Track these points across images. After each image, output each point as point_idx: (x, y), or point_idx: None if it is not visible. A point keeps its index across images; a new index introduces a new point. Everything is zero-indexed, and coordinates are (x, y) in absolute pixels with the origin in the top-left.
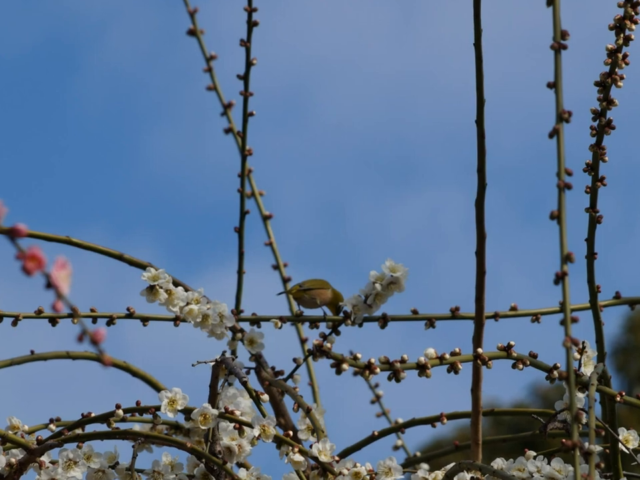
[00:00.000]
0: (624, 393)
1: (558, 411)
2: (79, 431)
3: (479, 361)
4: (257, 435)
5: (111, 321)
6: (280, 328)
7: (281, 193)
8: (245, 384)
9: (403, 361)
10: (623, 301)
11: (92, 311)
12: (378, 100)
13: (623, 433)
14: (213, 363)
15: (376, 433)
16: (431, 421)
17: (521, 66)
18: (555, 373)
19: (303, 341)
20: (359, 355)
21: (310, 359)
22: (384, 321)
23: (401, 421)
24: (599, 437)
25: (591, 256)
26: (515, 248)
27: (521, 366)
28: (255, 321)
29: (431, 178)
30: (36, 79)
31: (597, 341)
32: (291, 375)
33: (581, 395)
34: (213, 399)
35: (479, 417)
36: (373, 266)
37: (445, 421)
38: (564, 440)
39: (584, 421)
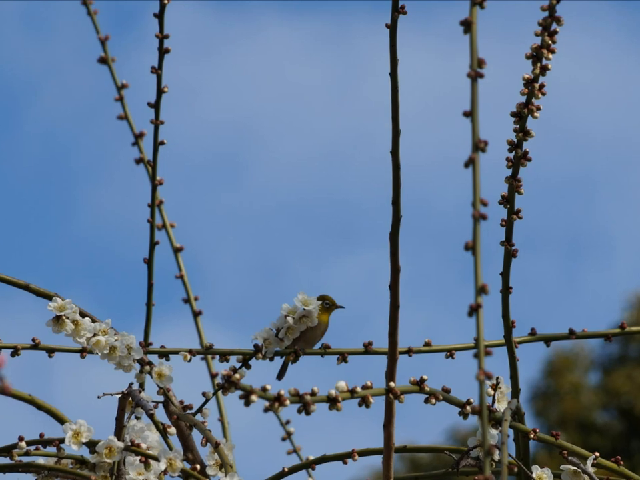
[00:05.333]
0: (537, 430)
1: (471, 447)
2: None
3: (391, 395)
4: (163, 469)
5: (15, 352)
6: (189, 361)
7: (214, 249)
8: (151, 416)
9: (313, 394)
10: (539, 337)
11: None
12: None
13: (536, 471)
14: (120, 395)
15: (286, 469)
16: (342, 457)
17: (438, 96)
18: (468, 408)
19: (213, 376)
20: (268, 387)
21: (220, 393)
22: (295, 355)
23: (312, 457)
24: (512, 474)
25: (506, 290)
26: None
27: (433, 401)
28: (164, 353)
29: (367, 238)
30: None
31: (512, 377)
32: (199, 409)
33: (494, 432)
34: (119, 432)
35: (391, 453)
36: None
37: (357, 457)
38: (477, 477)
39: (497, 457)
